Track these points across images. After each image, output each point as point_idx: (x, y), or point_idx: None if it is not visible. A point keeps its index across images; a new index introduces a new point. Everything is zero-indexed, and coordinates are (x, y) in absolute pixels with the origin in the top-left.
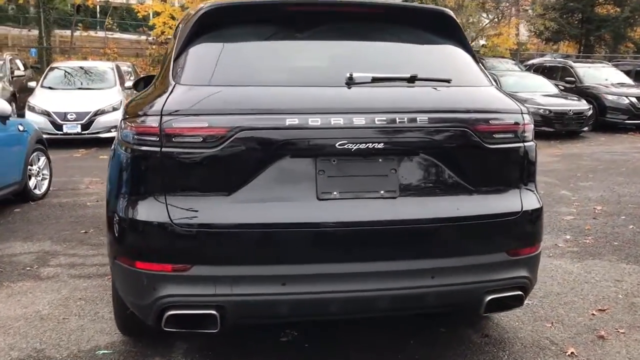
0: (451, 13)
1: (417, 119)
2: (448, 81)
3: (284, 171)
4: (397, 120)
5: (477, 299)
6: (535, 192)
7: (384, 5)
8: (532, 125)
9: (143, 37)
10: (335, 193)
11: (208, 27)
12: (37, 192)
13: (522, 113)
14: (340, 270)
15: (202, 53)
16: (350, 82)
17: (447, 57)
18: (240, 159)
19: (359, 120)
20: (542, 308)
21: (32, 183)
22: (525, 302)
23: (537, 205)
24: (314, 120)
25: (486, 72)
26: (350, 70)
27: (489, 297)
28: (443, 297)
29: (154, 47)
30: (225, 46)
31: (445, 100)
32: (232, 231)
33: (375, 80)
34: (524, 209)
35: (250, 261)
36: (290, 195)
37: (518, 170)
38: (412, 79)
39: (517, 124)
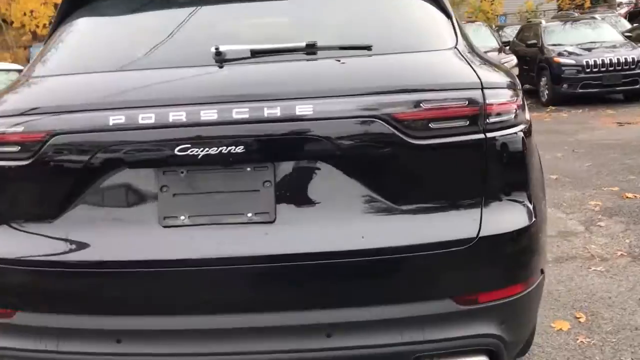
0: None
1: (297, 108)
2: (367, 48)
3: (119, 188)
4: (266, 113)
5: None
6: (526, 204)
7: None
8: (515, 105)
9: None
10: (183, 217)
11: (78, 3)
12: None
13: (482, 88)
14: (190, 326)
15: (63, 35)
16: (220, 59)
17: (386, 11)
18: (60, 172)
19: (209, 115)
20: None
21: None
22: None
23: (519, 225)
24: (146, 117)
25: (457, 30)
26: (234, 42)
27: None
28: None
29: None
30: (88, 25)
31: (351, 77)
32: (53, 270)
33: (256, 54)
34: (482, 235)
35: (78, 309)
36: (126, 222)
37: (479, 176)
38: (310, 49)
39: (472, 104)
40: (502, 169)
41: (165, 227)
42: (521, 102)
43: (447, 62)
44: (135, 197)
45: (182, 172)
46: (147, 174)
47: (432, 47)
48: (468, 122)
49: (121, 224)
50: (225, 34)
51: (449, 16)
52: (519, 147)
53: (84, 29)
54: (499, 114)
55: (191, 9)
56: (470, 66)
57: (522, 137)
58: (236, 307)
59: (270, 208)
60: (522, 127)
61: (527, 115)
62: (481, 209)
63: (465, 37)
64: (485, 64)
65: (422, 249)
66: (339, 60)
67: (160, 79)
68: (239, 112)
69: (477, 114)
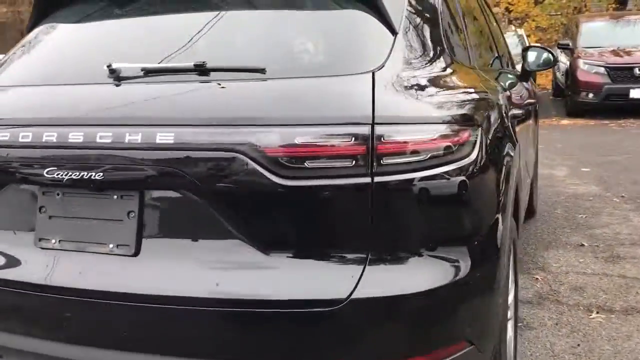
0: None
1: (157, 136)
2: (260, 71)
3: (9, 203)
4: (127, 139)
5: None
6: (443, 262)
7: None
8: (434, 144)
9: None
10: (54, 241)
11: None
12: None
13: (373, 123)
14: (45, 351)
15: (25, 44)
16: (115, 76)
17: (304, 27)
18: None
19: (76, 137)
20: None
21: None
22: None
23: (417, 288)
24: (25, 135)
25: (397, 48)
26: (132, 59)
27: None
28: None
29: None
30: (49, 33)
31: (218, 104)
32: None
33: (148, 72)
34: (356, 297)
35: None
36: (7, 240)
37: (366, 227)
38: (201, 69)
39: (357, 142)
40: (400, 219)
41: (40, 248)
42: (456, 140)
43: (345, 90)
44: (19, 215)
45: (57, 194)
46: (31, 193)
47: (342, 70)
48: (352, 162)
49: (4, 240)
50: (121, 51)
51: (392, 31)
52: (428, 195)
53: (43, 38)
54: (398, 155)
55: (96, 26)
56: (373, 96)
57: (440, 183)
58: (84, 340)
59: (131, 241)
60: (443, 170)
61: (474, 155)
62: (365, 266)
63: (412, 55)
64: (417, 92)
65: (282, 305)
66: (220, 84)
67: (45, 96)
68: (103, 136)
69: (364, 154)
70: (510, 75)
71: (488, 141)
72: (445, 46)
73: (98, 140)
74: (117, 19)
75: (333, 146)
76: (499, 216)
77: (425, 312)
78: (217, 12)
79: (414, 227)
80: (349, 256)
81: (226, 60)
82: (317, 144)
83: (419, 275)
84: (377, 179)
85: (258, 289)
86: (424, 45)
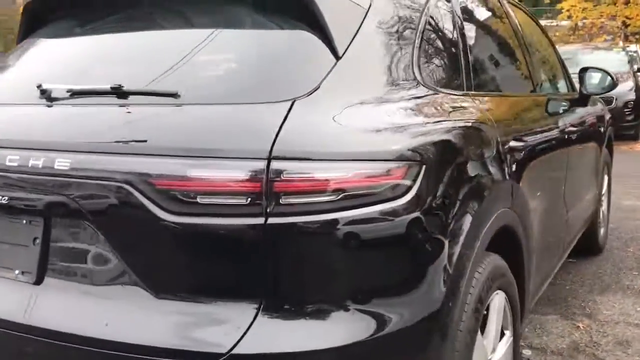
0: None
1: (56, 162)
2: (173, 95)
3: None
4: (31, 163)
5: None
6: (354, 315)
7: None
8: (349, 184)
9: None
10: None
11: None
12: None
13: (270, 158)
14: None
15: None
16: (45, 97)
17: (235, 47)
18: None
19: None
20: None
21: None
22: None
23: (316, 346)
24: None
25: (335, 72)
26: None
27: None
28: None
29: None
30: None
31: (115, 131)
32: None
33: (74, 93)
34: (234, 352)
35: None
36: None
37: (262, 272)
38: (118, 92)
39: (251, 179)
40: (302, 266)
41: None
42: (380, 179)
43: (249, 120)
44: None
45: None
46: None
47: (262, 98)
48: (246, 200)
49: None
50: (56, 71)
51: (335, 55)
52: (337, 240)
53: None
54: (301, 194)
55: (44, 46)
56: (281, 127)
57: (356, 228)
58: None
59: (33, 268)
60: (358, 213)
61: (408, 197)
62: (255, 317)
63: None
64: (344, 124)
65: (159, 354)
66: (127, 109)
67: None
68: (11, 159)
69: (258, 192)
70: (557, 102)
71: (442, 181)
72: (413, 71)
73: (7, 162)
74: (68, 37)
75: (226, 182)
76: (446, 268)
77: None
78: (158, 32)
79: (320, 275)
80: (241, 305)
81: (146, 83)
82: (210, 178)
83: (322, 330)
84: (272, 220)
85: (139, 335)
86: (378, 70)
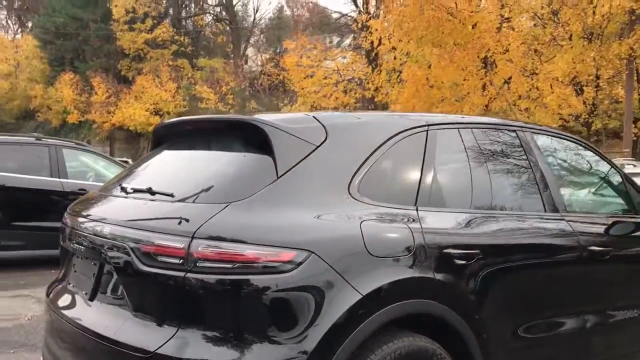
0: (259, 121)
1: (105, 229)
2: (171, 195)
3: None
4: (99, 229)
5: None
6: None
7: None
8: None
9: None
10: (71, 285)
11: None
12: None
13: (192, 237)
14: None
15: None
16: (123, 191)
17: (220, 169)
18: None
19: (85, 226)
20: None
21: None
22: None
23: None
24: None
25: (276, 178)
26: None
27: None
28: None
29: None
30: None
31: (133, 213)
32: None
33: (134, 190)
34: (158, 352)
35: None
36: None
37: (179, 305)
38: (150, 191)
39: (180, 247)
40: (208, 306)
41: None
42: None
43: (195, 212)
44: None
45: (77, 257)
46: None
47: (212, 200)
48: (179, 260)
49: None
50: (139, 175)
51: (275, 175)
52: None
53: None
54: (211, 261)
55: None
56: (210, 218)
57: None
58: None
59: (89, 291)
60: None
61: (292, 273)
62: (174, 334)
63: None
64: (256, 222)
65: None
66: (144, 202)
67: (102, 199)
68: (92, 226)
69: (183, 256)
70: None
71: (329, 265)
72: (348, 189)
73: (91, 227)
74: (158, 154)
75: (171, 248)
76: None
77: None
78: (186, 155)
79: (216, 313)
80: (165, 324)
81: (162, 186)
82: (164, 245)
83: (217, 350)
84: (189, 275)
85: (119, 334)
86: (311, 188)
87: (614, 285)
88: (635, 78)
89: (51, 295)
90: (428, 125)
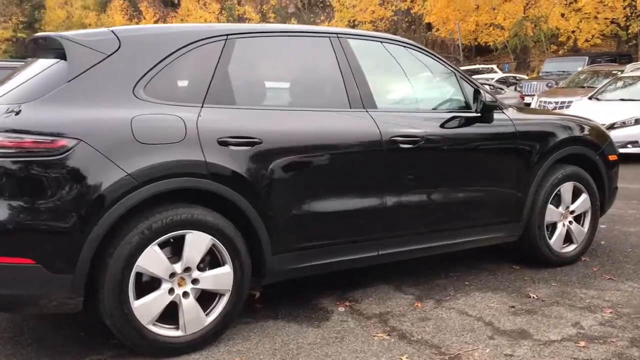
0: (57, 36)
1: None
2: None
3: None
4: None
5: None
6: None
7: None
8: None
9: None
10: None
11: None
12: None
13: None
14: None
15: None
16: None
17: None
18: None
19: None
20: None
21: None
22: None
23: None
24: None
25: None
26: None
27: None
28: None
29: None
30: None
31: None
32: None
33: None
34: None
35: None
36: None
37: None
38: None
39: None
40: None
41: None
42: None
43: None
44: None
45: None
46: None
47: (15, 100)
48: None
49: None
50: None
51: (65, 79)
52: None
53: None
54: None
55: None
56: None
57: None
58: None
59: None
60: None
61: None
62: None
63: None
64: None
65: None
66: None
67: None
68: None
69: None
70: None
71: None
72: (133, 90)
73: None
74: None
75: None
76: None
77: None
78: None
79: None
80: None
81: None
82: None
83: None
84: None
85: None
86: (96, 89)
87: (424, 170)
88: None
89: None
90: (227, 35)
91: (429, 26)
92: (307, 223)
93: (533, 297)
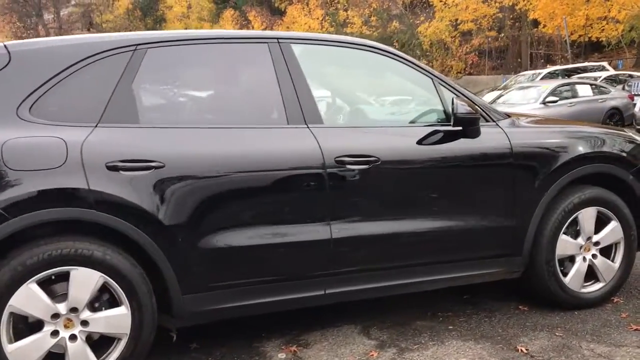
0: None
1: None
2: None
3: None
4: None
5: None
6: None
7: None
8: None
9: None
10: None
11: None
12: None
13: None
14: None
15: None
16: None
17: None
18: None
19: None
20: None
21: None
22: None
23: None
24: None
25: None
26: None
27: None
28: None
29: None
30: None
31: None
32: None
33: None
34: None
35: None
36: None
37: None
38: None
39: None
40: None
41: None
42: None
43: None
44: None
45: None
46: None
47: None
48: None
49: None
50: None
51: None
52: None
53: None
54: None
55: None
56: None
57: None
58: None
59: None
60: None
61: None
62: None
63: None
64: None
65: None
66: None
67: None
68: None
69: None
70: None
71: None
72: (17, 112)
73: None
74: None
75: None
76: None
77: None
78: None
79: None
80: None
81: None
82: None
83: None
84: None
85: None
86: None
87: (385, 196)
88: None
89: None
90: (137, 45)
91: (535, 23)
92: (225, 258)
93: (520, 352)
